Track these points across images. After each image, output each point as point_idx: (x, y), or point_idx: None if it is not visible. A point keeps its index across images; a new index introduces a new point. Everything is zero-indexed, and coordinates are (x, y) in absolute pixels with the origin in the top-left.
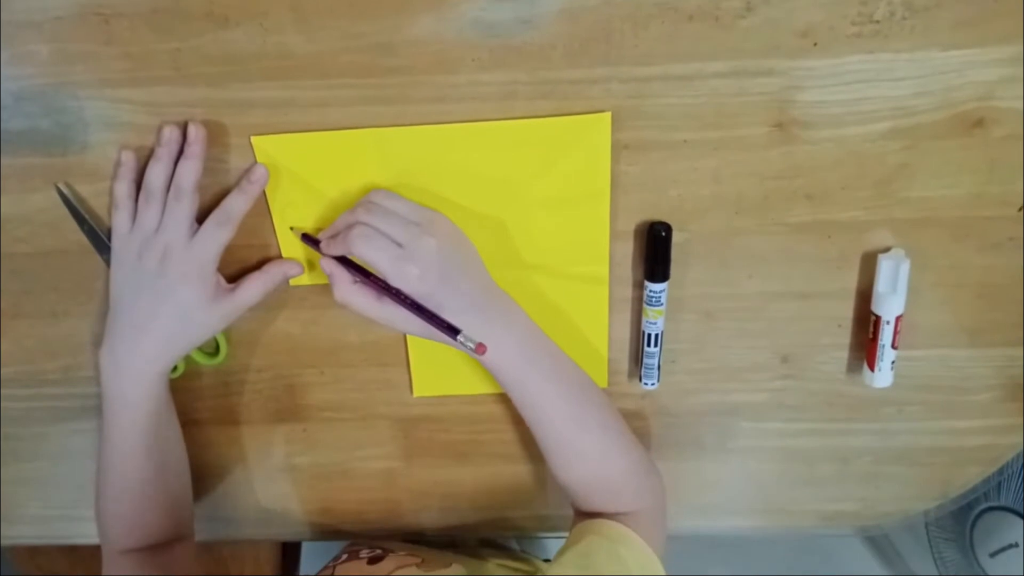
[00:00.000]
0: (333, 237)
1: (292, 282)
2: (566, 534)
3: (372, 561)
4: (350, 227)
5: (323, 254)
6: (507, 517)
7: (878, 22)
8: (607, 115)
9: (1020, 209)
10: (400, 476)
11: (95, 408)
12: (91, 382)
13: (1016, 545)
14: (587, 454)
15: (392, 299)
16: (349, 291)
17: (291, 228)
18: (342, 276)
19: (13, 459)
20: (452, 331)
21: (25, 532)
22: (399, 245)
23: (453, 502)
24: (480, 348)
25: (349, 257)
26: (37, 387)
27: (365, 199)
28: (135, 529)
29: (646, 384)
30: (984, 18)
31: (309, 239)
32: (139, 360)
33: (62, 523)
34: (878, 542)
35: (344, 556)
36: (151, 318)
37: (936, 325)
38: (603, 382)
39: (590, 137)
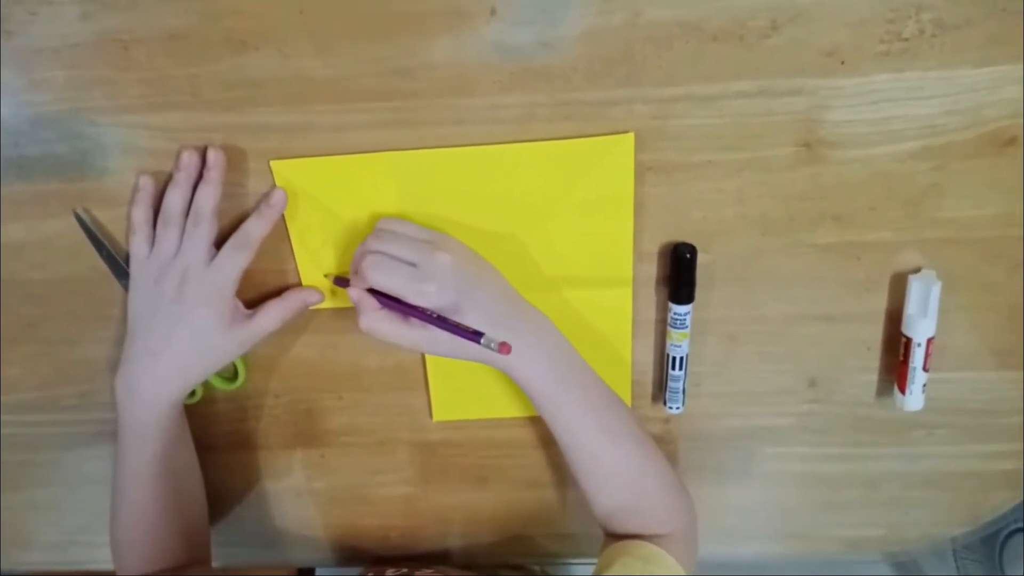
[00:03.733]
0: (355, 273)
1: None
2: (588, 559)
3: None
4: (362, 259)
5: (349, 287)
6: (529, 541)
7: (907, 40)
8: (630, 136)
9: None
10: (419, 501)
11: (111, 433)
12: (107, 407)
13: None
14: (622, 473)
15: (417, 318)
16: (374, 318)
17: (325, 276)
18: (367, 304)
19: (29, 484)
20: (475, 335)
21: (40, 559)
22: (412, 266)
23: (473, 527)
24: (503, 347)
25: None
26: (53, 412)
27: (375, 228)
28: (149, 554)
29: (671, 408)
30: (1015, 35)
31: (341, 281)
32: (154, 385)
33: (78, 549)
34: (903, 564)
35: (370, 574)
36: (167, 343)
37: (966, 347)
38: None
39: (613, 158)
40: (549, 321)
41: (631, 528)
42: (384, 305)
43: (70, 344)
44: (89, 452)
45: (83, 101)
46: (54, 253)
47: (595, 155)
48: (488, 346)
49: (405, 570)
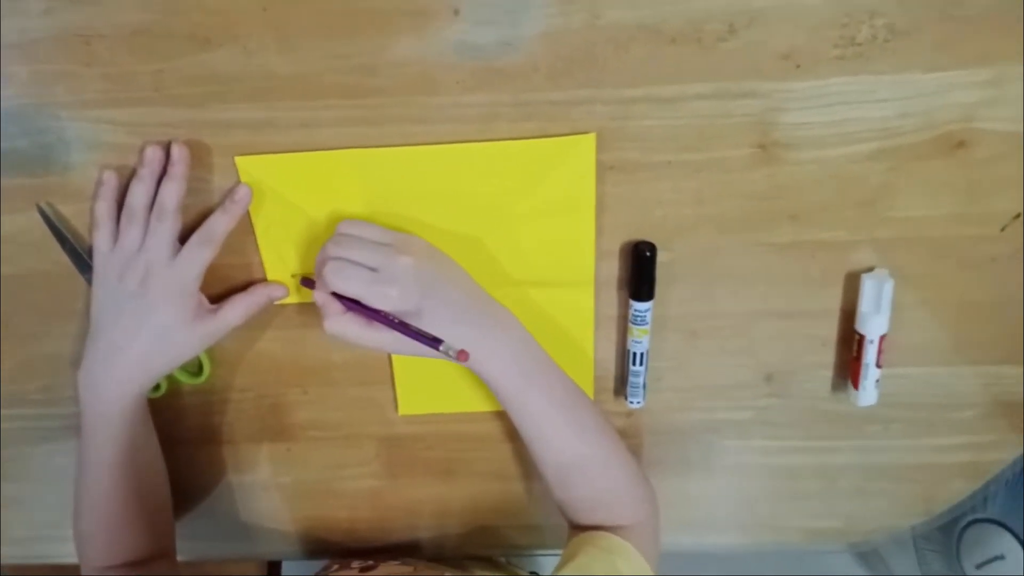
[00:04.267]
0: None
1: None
2: (554, 550)
3: (364, 570)
4: (323, 265)
5: (314, 290)
6: (495, 533)
7: (860, 44)
8: (592, 136)
9: (1002, 228)
10: (386, 494)
11: (76, 428)
12: (72, 402)
13: (1002, 557)
14: (586, 466)
15: (380, 322)
16: (338, 322)
17: (292, 275)
18: (331, 308)
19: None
20: (435, 342)
21: (7, 553)
22: (373, 270)
23: (439, 520)
24: (461, 355)
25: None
26: (18, 407)
27: (335, 232)
28: (111, 546)
29: (632, 403)
30: (965, 40)
31: (309, 282)
32: (116, 380)
33: (45, 543)
34: (866, 554)
35: (335, 566)
36: (130, 338)
37: (919, 343)
38: None
39: (575, 158)
40: (513, 317)
41: (595, 519)
42: (348, 308)
43: (34, 339)
44: (55, 447)
45: (46, 96)
46: (18, 248)
47: (557, 155)
48: (447, 353)
49: (371, 562)
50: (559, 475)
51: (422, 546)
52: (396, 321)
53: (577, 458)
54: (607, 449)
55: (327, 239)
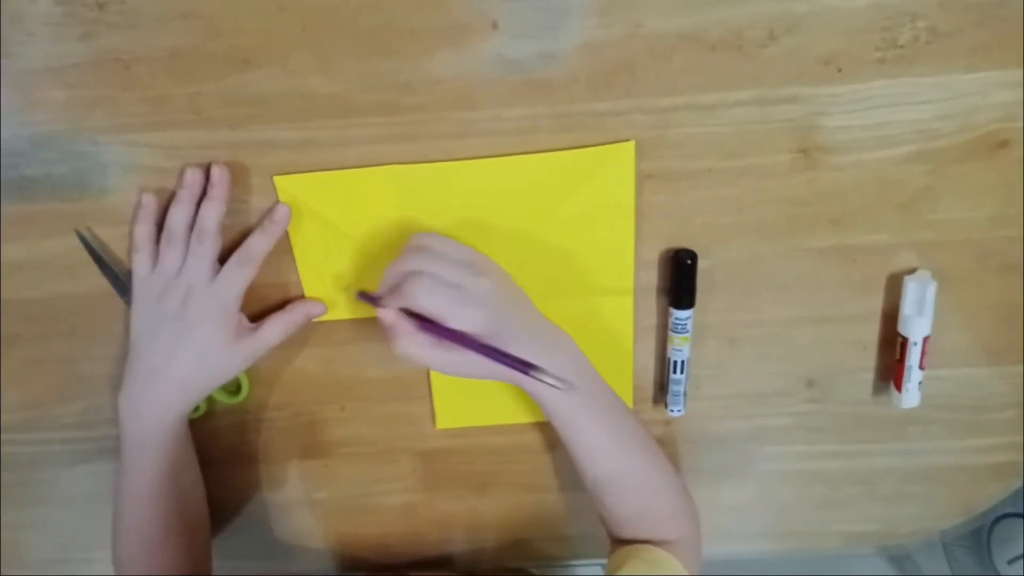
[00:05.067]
0: (391, 291)
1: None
2: (586, 561)
3: None
4: (405, 278)
5: (381, 307)
6: (529, 545)
7: (902, 47)
8: (631, 144)
9: None
10: (421, 509)
11: (111, 451)
12: (109, 424)
13: None
14: (633, 481)
15: (458, 344)
16: (412, 342)
17: (345, 288)
18: (405, 326)
19: (27, 503)
20: (527, 367)
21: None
22: (458, 287)
23: (475, 533)
24: (564, 387)
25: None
26: (53, 431)
27: (412, 245)
28: (151, 569)
29: (672, 411)
30: (1006, 41)
31: (366, 297)
32: (158, 402)
33: (73, 564)
34: (896, 557)
35: None
36: (171, 360)
37: (959, 345)
38: None
39: (614, 167)
40: (567, 336)
41: (640, 534)
42: (422, 327)
43: (70, 362)
44: (89, 469)
45: (84, 121)
46: (54, 272)
47: (596, 164)
48: (548, 382)
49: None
50: (604, 489)
51: (456, 559)
52: (476, 343)
53: (622, 472)
54: (651, 463)
55: (406, 249)
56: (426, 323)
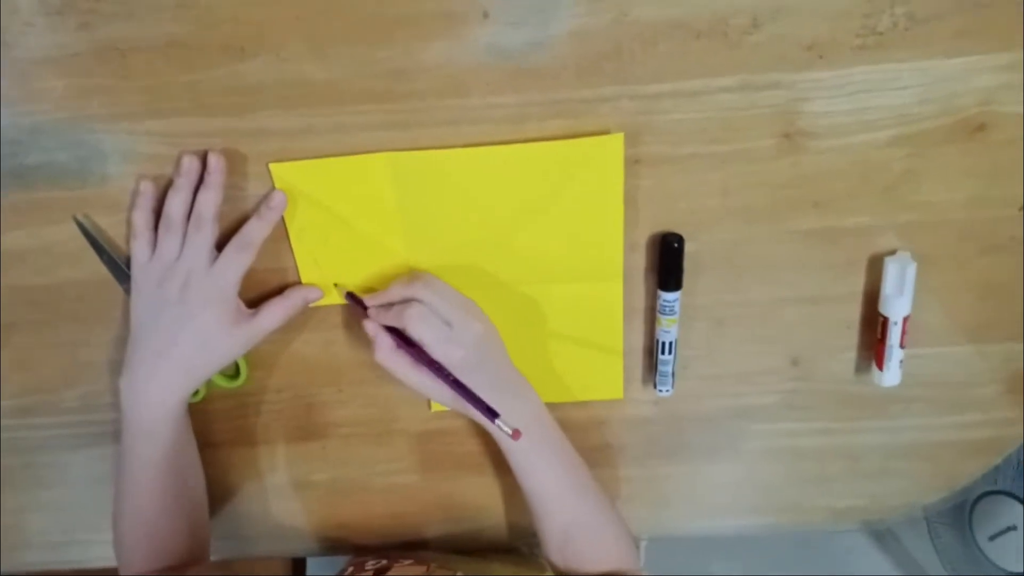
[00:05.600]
0: (385, 306)
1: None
2: None
3: (378, 573)
4: (406, 303)
5: (368, 317)
6: (525, 525)
7: (881, 33)
8: (620, 136)
9: (1020, 209)
10: (417, 489)
11: (113, 434)
12: (110, 408)
13: (1015, 528)
14: (586, 524)
15: (431, 372)
16: (390, 356)
17: (335, 285)
18: (385, 341)
19: (31, 486)
20: (491, 414)
21: (39, 558)
22: (448, 324)
23: (469, 512)
24: (515, 434)
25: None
26: (56, 415)
27: (418, 275)
28: (152, 554)
29: (661, 391)
30: (983, 26)
31: (353, 298)
32: (159, 387)
33: (76, 547)
34: (879, 532)
35: (349, 569)
36: (171, 345)
37: (941, 324)
38: (618, 391)
39: (603, 158)
40: (530, 387)
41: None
42: (400, 345)
43: (72, 347)
44: (93, 452)
45: (82, 109)
46: (56, 259)
47: (586, 155)
48: (501, 428)
49: (384, 562)
50: (560, 534)
51: (451, 539)
52: (451, 378)
53: (576, 517)
54: (603, 508)
55: (411, 278)
56: (409, 345)
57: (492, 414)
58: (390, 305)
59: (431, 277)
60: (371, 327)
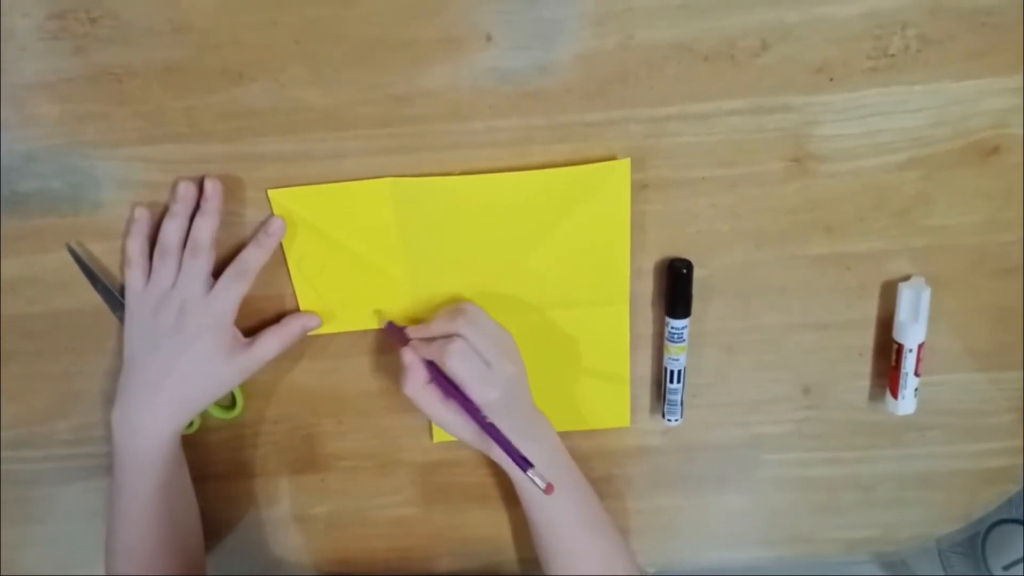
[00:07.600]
0: (427, 339)
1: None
2: None
3: None
4: (449, 338)
5: (406, 346)
6: (526, 558)
7: (893, 55)
8: (627, 162)
9: None
10: (419, 522)
11: (107, 467)
12: (103, 441)
13: None
14: (596, 562)
15: (463, 410)
16: (421, 390)
17: (374, 311)
18: (418, 373)
19: (24, 520)
20: (525, 463)
21: None
22: (487, 364)
23: (472, 546)
24: (549, 489)
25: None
26: (49, 448)
27: (461, 308)
28: None
29: (669, 420)
30: (995, 49)
31: (394, 330)
32: (153, 418)
33: None
34: (891, 563)
35: None
36: (166, 375)
37: (955, 350)
38: (625, 420)
39: (610, 184)
40: (549, 424)
41: None
42: (433, 378)
43: (66, 378)
44: (85, 486)
45: (77, 135)
46: (49, 288)
47: (593, 181)
48: (534, 481)
49: None
50: (569, 568)
51: (455, 572)
52: (489, 423)
53: (588, 554)
54: (615, 547)
55: (454, 312)
56: (442, 378)
57: (525, 464)
58: (431, 338)
59: (475, 310)
60: (409, 357)
